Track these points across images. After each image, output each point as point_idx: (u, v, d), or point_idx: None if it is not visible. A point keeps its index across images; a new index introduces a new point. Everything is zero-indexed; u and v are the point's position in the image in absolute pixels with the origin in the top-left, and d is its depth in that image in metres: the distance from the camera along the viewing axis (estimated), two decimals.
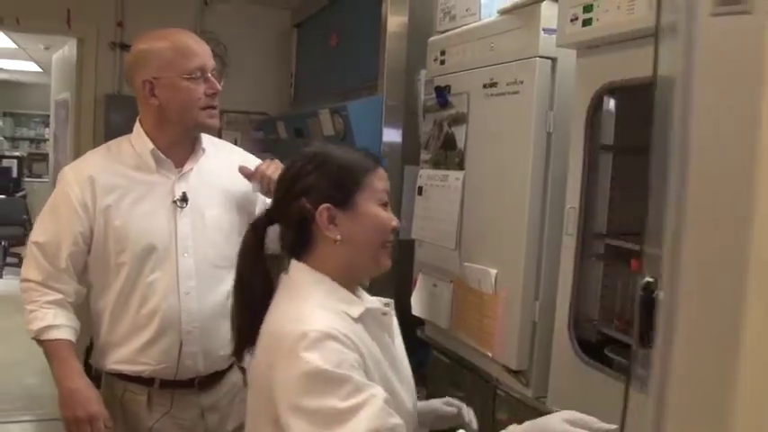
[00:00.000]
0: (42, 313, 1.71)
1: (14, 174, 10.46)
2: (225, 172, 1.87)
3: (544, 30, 1.84)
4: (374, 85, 2.86)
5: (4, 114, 11.85)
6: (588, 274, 1.78)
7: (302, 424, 1.07)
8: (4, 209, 8.58)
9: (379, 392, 1.10)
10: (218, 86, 1.76)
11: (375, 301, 1.33)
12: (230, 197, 1.87)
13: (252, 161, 1.93)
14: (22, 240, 8.84)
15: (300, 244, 1.30)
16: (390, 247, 1.33)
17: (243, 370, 1.84)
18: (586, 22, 1.60)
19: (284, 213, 1.31)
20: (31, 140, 11.97)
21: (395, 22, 2.77)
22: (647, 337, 0.90)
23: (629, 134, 1.77)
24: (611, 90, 1.67)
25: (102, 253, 1.76)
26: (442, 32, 2.42)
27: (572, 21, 1.64)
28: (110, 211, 1.73)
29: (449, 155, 2.31)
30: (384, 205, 1.32)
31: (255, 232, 1.32)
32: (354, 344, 1.16)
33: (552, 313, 1.81)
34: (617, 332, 1.71)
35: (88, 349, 4.12)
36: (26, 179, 10.80)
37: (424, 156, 2.54)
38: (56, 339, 1.70)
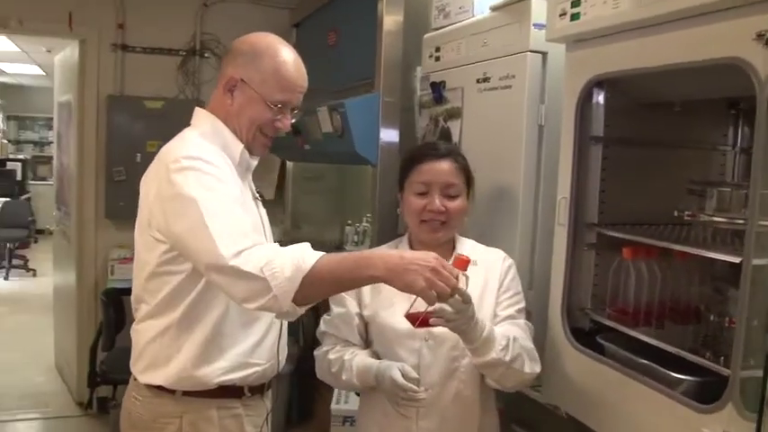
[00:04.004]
0: (282, 251, 1.41)
1: (19, 176, 10.54)
2: None
3: (535, 25, 1.88)
4: (371, 83, 2.89)
5: (8, 118, 11.91)
6: (580, 264, 1.82)
7: None
8: (9, 211, 8.63)
9: None
10: (288, 126, 1.69)
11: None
12: None
13: None
14: (26, 243, 8.91)
15: None
16: (430, 226, 1.73)
17: None
18: (574, 17, 1.63)
19: None
20: (35, 143, 12.02)
21: (390, 20, 2.80)
22: None
23: (619, 125, 1.80)
24: (600, 83, 1.71)
25: None
26: (437, 29, 2.46)
27: (561, 15, 1.68)
28: (245, 209, 1.59)
29: None
30: (421, 194, 1.72)
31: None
32: None
33: (546, 302, 1.85)
34: (609, 320, 1.75)
35: (93, 350, 4.04)
36: (30, 182, 10.89)
37: None
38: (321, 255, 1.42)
